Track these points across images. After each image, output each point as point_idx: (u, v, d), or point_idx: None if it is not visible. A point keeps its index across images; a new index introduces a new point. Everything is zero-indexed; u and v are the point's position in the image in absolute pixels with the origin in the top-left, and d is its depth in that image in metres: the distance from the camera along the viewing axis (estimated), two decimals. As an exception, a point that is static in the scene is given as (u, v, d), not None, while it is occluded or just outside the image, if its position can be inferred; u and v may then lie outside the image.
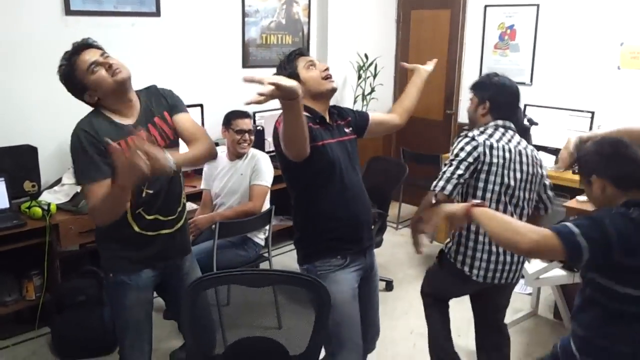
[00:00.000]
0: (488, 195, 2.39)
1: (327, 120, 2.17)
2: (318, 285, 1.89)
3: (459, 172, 2.35)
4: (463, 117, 5.30)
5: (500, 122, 2.48)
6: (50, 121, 3.45)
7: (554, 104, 4.54)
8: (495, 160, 2.37)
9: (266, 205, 3.36)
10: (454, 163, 2.37)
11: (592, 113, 4.32)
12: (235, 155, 3.40)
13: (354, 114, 2.35)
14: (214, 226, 3.05)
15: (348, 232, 2.17)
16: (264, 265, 3.50)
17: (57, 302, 3.21)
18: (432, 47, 5.46)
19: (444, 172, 2.38)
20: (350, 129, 2.27)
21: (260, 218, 3.23)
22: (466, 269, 2.45)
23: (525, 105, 4.60)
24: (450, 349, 2.71)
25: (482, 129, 2.47)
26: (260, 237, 3.37)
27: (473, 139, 2.40)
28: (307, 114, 2.01)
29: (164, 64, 4.00)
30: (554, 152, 4.42)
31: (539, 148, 4.43)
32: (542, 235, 1.64)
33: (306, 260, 2.20)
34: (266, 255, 3.42)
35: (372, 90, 5.12)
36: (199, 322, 2.25)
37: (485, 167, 2.37)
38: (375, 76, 5.10)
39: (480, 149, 2.36)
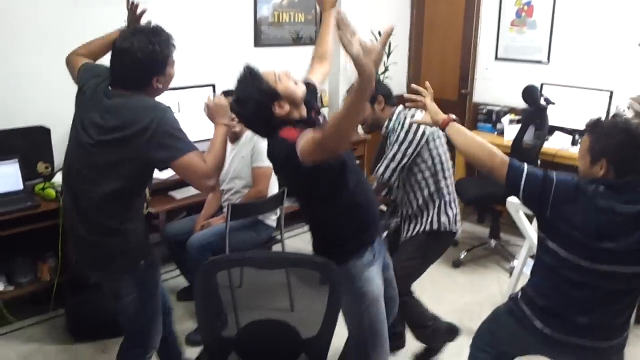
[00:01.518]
0: (438, 167, 2.63)
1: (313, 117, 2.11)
2: (331, 267, 1.87)
3: (399, 156, 2.59)
4: (478, 96, 5.21)
5: (401, 107, 2.71)
6: (63, 102, 3.41)
7: (572, 83, 4.45)
8: (435, 130, 2.61)
9: (273, 185, 3.31)
10: (402, 149, 2.58)
11: (611, 92, 4.23)
12: (231, 137, 3.29)
13: (313, 95, 2.23)
14: (225, 209, 3.02)
15: (371, 215, 2.14)
16: (276, 248, 3.49)
17: (72, 284, 3.24)
18: (447, 24, 5.35)
19: (388, 157, 2.61)
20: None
21: (272, 200, 3.20)
22: (453, 227, 2.71)
23: (542, 84, 4.51)
24: (432, 314, 2.87)
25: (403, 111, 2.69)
26: (272, 219, 3.35)
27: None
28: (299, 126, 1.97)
29: (175, 43, 3.95)
30: (571, 132, 4.35)
31: (555, 128, 4.39)
32: (504, 160, 1.92)
33: (338, 263, 1.99)
34: (278, 237, 3.41)
35: (386, 69, 5.05)
36: (208, 304, 2.26)
37: (436, 137, 2.61)
38: (389, 55, 5.02)
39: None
